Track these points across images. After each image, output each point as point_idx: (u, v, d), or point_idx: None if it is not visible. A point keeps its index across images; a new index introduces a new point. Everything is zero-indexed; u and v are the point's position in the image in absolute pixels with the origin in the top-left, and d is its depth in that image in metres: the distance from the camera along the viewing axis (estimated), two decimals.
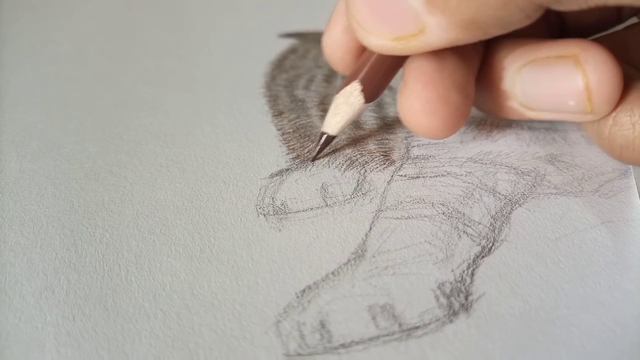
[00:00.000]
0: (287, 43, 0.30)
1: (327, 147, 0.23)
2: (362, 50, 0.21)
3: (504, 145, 0.23)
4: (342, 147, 0.23)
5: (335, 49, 0.22)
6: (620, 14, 0.23)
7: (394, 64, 0.21)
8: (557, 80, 0.19)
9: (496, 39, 0.20)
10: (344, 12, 0.20)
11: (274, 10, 0.34)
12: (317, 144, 0.22)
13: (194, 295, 0.18)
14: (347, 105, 0.21)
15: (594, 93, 0.19)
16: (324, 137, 0.22)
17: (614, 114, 0.19)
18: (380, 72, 0.21)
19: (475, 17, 0.17)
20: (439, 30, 0.18)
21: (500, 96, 0.21)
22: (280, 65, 0.29)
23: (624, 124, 0.19)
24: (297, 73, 0.28)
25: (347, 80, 0.21)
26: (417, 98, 0.19)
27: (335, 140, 0.23)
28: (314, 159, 0.23)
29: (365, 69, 0.21)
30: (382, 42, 0.19)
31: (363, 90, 0.21)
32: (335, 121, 0.22)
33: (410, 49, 0.19)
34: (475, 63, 0.21)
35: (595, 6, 0.17)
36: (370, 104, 0.21)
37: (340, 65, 0.22)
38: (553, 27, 0.23)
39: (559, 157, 0.23)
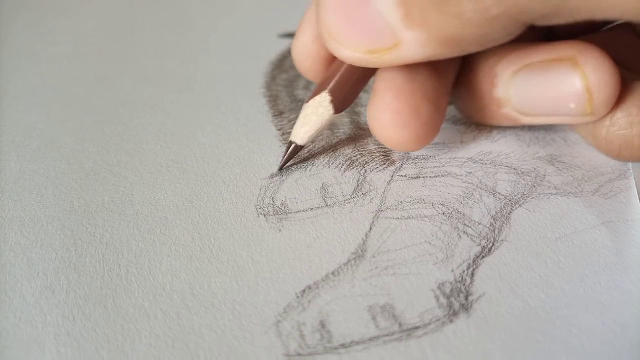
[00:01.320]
0: (287, 43, 0.30)
1: (295, 157, 0.22)
2: (332, 59, 0.21)
3: (504, 146, 0.23)
4: (342, 147, 0.23)
5: (305, 58, 0.21)
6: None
7: (364, 74, 0.20)
8: (555, 84, 0.19)
9: None
10: (314, 20, 0.20)
11: (274, 10, 0.34)
12: (285, 153, 0.22)
13: (194, 295, 0.18)
14: (316, 115, 0.21)
15: (594, 94, 0.19)
16: (292, 146, 0.22)
17: (611, 114, 0.19)
18: (350, 82, 0.21)
19: (455, 34, 0.17)
20: (415, 46, 0.17)
21: (493, 104, 0.21)
22: (280, 65, 0.29)
23: (622, 124, 0.19)
24: (297, 73, 0.28)
25: (316, 90, 0.21)
26: (387, 109, 0.19)
27: (304, 151, 0.23)
28: (280, 168, 0.22)
29: (335, 79, 0.20)
30: (354, 54, 0.18)
31: (332, 101, 0.21)
32: (303, 131, 0.21)
33: (384, 62, 0.18)
34: (450, 75, 0.21)
35: (582, 20, 0.16)
36: (339, 114, 0.21)
37: (309, 74, 0.22)
38: (539, 32, 0.23)
39: (559, 157, 0.23)
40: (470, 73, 0.21)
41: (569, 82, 0.19)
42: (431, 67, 0.20)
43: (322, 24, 0.18)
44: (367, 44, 0.18)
